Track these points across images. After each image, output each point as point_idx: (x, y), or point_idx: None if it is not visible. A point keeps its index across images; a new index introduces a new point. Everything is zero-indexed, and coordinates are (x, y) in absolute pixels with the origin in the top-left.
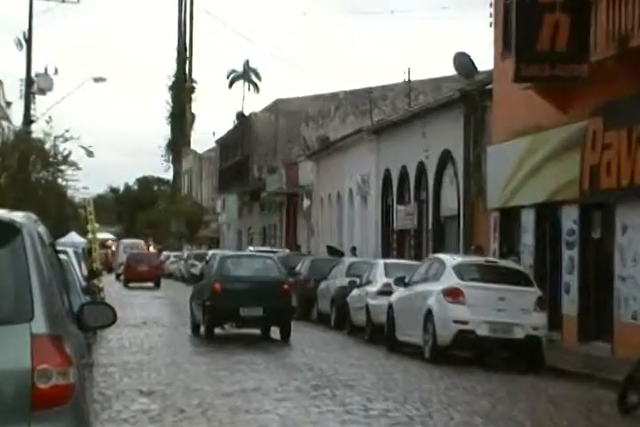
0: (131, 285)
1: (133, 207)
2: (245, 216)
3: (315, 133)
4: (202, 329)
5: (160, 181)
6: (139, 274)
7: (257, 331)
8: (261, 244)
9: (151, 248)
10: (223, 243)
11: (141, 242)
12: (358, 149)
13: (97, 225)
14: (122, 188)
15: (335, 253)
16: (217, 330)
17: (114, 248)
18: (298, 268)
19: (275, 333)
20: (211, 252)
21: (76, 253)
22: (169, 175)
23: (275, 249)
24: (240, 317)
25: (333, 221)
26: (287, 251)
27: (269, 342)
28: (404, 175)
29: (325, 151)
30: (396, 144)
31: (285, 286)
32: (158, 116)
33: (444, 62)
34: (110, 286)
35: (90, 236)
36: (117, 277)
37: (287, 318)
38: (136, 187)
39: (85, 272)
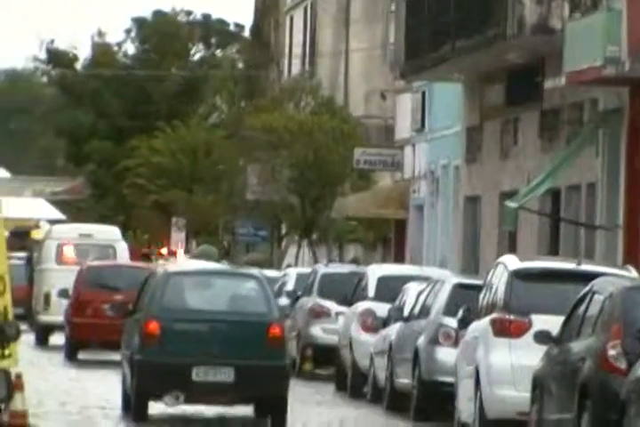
0: (82, 357)
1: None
2: (491, 151)
3: None
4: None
5: (211, 25)
6: (108, 327)
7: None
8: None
9: (163, 252)
10: (417, 238)
11: (114, 231)
12: None
13: None
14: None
15: None
16: (155, 406)
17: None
18: None
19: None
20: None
21: None
22: (239, 9)
23: (596, 268)
24: (193, 383)
25: None
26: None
27: None
28: None
29: None
30: None
31: (277, 330)
32: None
33: None
34: (33, 362)
35: None
36: (43, 333)
37: (279, 387)
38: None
39: None
